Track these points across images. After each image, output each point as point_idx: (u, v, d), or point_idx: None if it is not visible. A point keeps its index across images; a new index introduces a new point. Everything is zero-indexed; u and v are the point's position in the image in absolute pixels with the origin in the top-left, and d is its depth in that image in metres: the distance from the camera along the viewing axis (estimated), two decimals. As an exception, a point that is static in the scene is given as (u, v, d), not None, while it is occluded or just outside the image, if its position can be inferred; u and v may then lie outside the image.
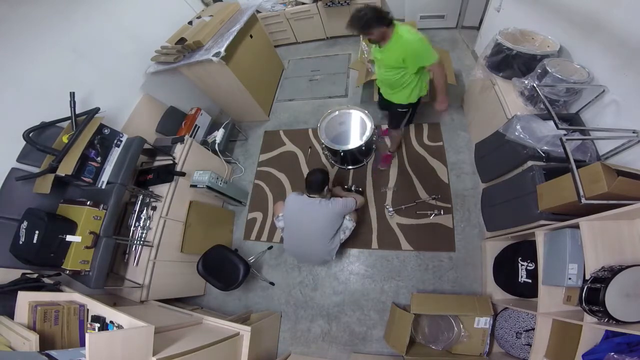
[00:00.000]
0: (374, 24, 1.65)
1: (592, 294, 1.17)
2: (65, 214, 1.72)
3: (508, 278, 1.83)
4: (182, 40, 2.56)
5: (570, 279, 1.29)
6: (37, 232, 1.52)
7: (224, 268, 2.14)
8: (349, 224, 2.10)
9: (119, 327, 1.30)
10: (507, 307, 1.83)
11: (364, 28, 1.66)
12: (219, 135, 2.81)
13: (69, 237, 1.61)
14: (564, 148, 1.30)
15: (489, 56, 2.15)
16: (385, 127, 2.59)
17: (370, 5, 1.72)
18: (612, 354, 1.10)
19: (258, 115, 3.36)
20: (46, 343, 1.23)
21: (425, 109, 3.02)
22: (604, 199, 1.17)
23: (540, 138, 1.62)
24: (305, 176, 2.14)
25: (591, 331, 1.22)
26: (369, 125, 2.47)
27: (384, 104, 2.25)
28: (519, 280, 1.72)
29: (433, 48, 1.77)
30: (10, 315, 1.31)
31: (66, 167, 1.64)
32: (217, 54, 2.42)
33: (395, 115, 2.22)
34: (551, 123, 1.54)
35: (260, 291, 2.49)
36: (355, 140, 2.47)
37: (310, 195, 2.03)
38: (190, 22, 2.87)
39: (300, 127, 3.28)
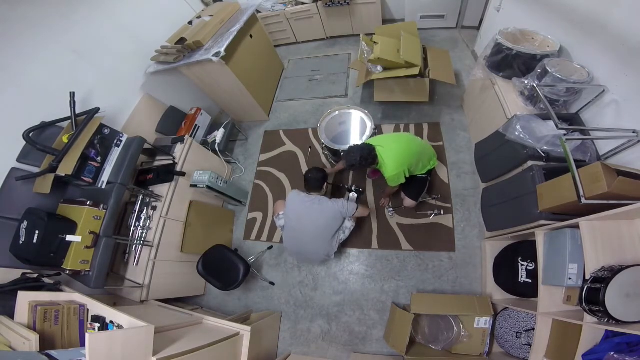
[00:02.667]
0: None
1: (592, 294, 1.17)
2: (65, 214, 1.72)
3: (508, 278, 1.83)
4: (182, 40, 2.56)
5: (570, 279, 1.29)
6: (37, 231, 1.52)
7: (224, 268, 2.13)
8: (348, 223, 2.10)
9: (119, 327, 1.30)
10: (507, 307, 1.83)
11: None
12: (219, 135, 2.82)
13: (69, 237, 1.60)
14: (564, 148, 1.30)
15: (489, 56, 2.14)
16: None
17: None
18: (612, 353, 1.10)
19: (258, 115, 3.36)
20: (46, 343, 1.23)
21: (426, 108, 3.02)
22: (604, 199, 1.17)
23: (540, 138, 1.62)
24: (304, 175, 2.14)
25: (591, 331, 1.22)
26: (369, 125, 2.46)
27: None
28: (519, 280, 1.72)
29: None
30: (10, 315, 1.31)
31: (66, 167, 1.64)
32: (217, 54, 2.42)
33: (415, 186, 2.21)
34: (551, 123, 1.54)
35: (260, 291, 2.49)
36: (355, 140, 2.47)
37: (311, 193, 2.04)
38: (190, 22, 2.87)
39: (300, 127, 3.28)
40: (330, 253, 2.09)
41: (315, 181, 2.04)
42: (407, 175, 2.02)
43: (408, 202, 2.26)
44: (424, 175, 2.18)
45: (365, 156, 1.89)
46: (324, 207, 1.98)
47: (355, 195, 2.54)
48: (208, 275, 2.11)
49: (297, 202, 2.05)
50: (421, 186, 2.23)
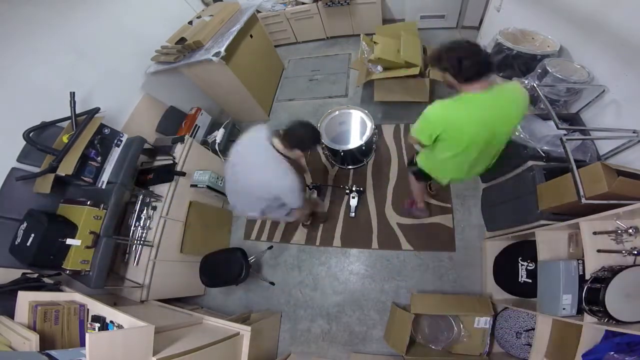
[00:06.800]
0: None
1: (592, 294, 1.17)
2: (65, 214, 1.72)
3: (508, 278, 1.83)
4: (182, 40, 2.56)
5: (564, 309, 1.29)
6: (32, 235, 1.53)
7: (223, 271, 2.15)
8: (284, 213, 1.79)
9: (119, 327, 1.30)
10: (507, 307, 1.83)
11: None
12: (219, 135, 2.81)
13: (69, 241, 1.61)
14: (564, 148, 1.30)
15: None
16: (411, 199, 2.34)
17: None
18: (612, 353, 1.10)
19: (258, 115, 3.36)
20: (46, 343, 1.23)
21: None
22: (604, 199, 1.17)
23: (541, 138, 1.62)
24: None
25: (591, 331, 1.22)
26: (369, 125, 2.46)
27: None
28: (519, 280, 1.72)
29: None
30: (11, 315, 1.31)
31: (66, 167, 1.64)
32: (217, 54, 2.42)
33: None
34: (551, 123, 1.54)
35: (260, 291, 2.49)
36: (355, 140, 2.47)
37: (273, 142, 1.53)
38: (190, 22, 2.87)
39: (301, 127, 3.27)
40: (251, 216, 1.86)
41: (292, 134, 1.50)
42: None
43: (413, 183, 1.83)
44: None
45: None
46: (268, 164, 1.51)
47: (356, 198, 2.53)
48: (214, 285, 2.18)
49: (248, 147, 1.62)
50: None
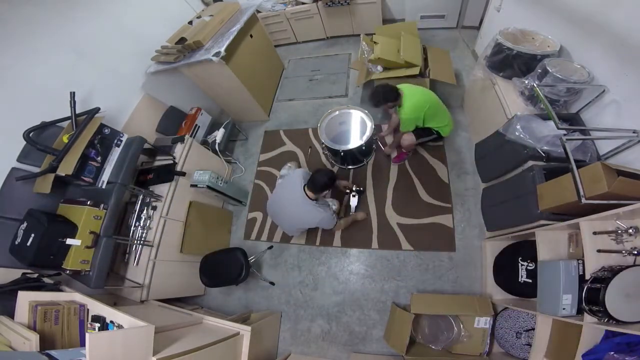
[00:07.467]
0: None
1: (592, 294, 1.17)
2: (65, 214, 1.72)
3: (508, 278, 1.83)
4: (182, 40, 2.56)
5: (564, 309, 1.29)
6: (32, 235, 1.53)
7: (223, 271, 2.15)
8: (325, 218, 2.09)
9: (119, 326, 1.30)
10: (507, 307, 1.83)
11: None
12: (219, 135, 2.81)
13: (69, 241, 1.61)
14: (564, 148, 1.30)
15: (489, 56, 2.14)
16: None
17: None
18: (612, 353, 1.10)
19: (258, 115, 3.36)
20: (46, 343, 1.23)
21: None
22: (604, 199, 1.16)
23: (541, 138, 1.62)
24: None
25: (591, 331, 1.22)
26: (369, 125, 2.47)
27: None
28: (519, 280, 1.72)
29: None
30: (11, 315, 1.31)
31: (66, 167, 1.64)
32: (217, 54, 2.42)
33: (422, 130, 2.41)
34: (551, 123, 1.54)
35: (261, 291, 2.49)
36: (355, 140, 2.47)
37: (306, 191, 1.98)
38: (190, 22, 2.87)
39: (301, 127, 3.27)
40: (297, 234, 2.38)
41: (315, 182, 1.93)
42: (422, 125, 2.25)
43: (407, 137, 2.33)
44: (434, 129, 2.36)
45: (388, 91, 2.10)
46: (304, 210, 1.99)
47: (356, 197, 2.54)
48: (214, 286, 2.20)
49: (289, 186, 2.08)
50: (427, 133, 2.39)
